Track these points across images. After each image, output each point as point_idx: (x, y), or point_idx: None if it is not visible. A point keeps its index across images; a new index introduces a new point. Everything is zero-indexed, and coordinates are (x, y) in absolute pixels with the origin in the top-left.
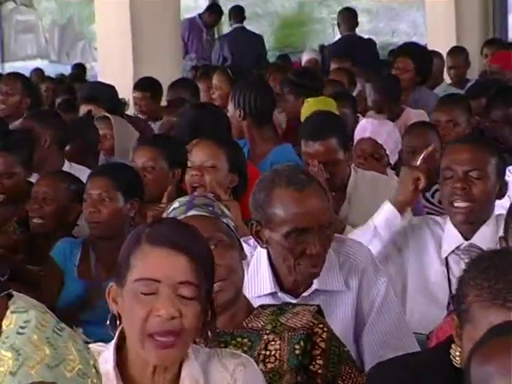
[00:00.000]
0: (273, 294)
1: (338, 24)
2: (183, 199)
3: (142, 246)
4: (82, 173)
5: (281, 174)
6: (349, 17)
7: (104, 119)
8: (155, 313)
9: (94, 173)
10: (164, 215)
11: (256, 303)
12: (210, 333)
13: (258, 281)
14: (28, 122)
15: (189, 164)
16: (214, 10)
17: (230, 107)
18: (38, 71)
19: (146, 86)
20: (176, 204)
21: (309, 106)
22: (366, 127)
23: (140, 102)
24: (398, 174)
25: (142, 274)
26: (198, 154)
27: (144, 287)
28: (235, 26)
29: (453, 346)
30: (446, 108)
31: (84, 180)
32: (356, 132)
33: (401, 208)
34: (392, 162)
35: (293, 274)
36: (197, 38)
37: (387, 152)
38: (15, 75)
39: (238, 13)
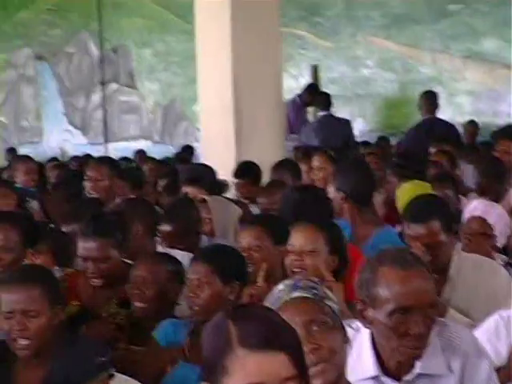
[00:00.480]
0: (375, 378)
1: (419, 106)
2: (288, 282)
3: (236, 350)
4: (175, 254)
5: (387, 254)
6: (430, 99)
7: (202, 202)
8: None
9: (195, 257)
10: (270, 296)
11: None
12: None
13: (361, 364)
14: (118, 207)
15: (289, 248)
16: (311, 89)
17: (331, 189)
18: (141, 152)
19: (246, 172)
20: (281, 286)
21: (405, 190)
22: (476, 207)
23: (241, 188)
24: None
25: (244, 380)
26: (298, 238)
27: None
28: (322, 113)
29: None
30: None
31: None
32: (466, 211)
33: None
34: (500, 245)
35: (396, 355)
36: (301, 118)
37: (496, 233)
38: (101, 160)
39: (324, 100)
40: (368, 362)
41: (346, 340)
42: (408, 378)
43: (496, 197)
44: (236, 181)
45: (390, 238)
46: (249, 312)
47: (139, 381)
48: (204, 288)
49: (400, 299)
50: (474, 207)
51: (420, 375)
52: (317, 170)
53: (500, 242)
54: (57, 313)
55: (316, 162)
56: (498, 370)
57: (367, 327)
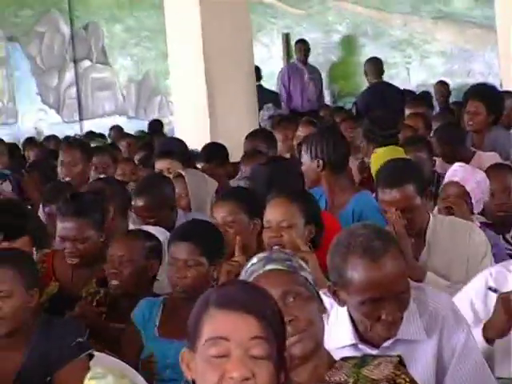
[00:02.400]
0: (353, 346)
1: (365, 72)
2: (261, 255)
3: (210, 310)
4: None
5: (356, 240)
6: (375, 65)
7: (178, 177)
8: (228, 375)
9: (178, 235)
10: (243, 271)
11: (336, 354)
12: None
13: (339, 332)
14: (94, 186)
15: (265, 224)
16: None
17: (305, 158)
18: (117, 128)
19: (212, 154)
20: (254, 259)
21: (378, 157)
22: (456, 172)
23: (209, 172)
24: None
25: (211, 334)
26: (274, 214)
27: (214, 349)
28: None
29: None
30: None
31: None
32: (447, 174)
33: (491, 337)
34: (475, 211)
35: (370, 334)
36: (300, 82)
37: (473, 200)
38: (73, 144)
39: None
40: (346, 331)
41: (322, 310)
42: (386, 344)
43: (462, 161)
44: (203, 164)
45: (368, 203)
46: (231, 282)
47: (120, 358)
48: (192, 269)
49: (370, 290)
50: (453, 172)
51: (398, 341)
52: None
53: (476, 209)
54: (32, 295)
55: (303, 131)
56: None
57: (341, 306)
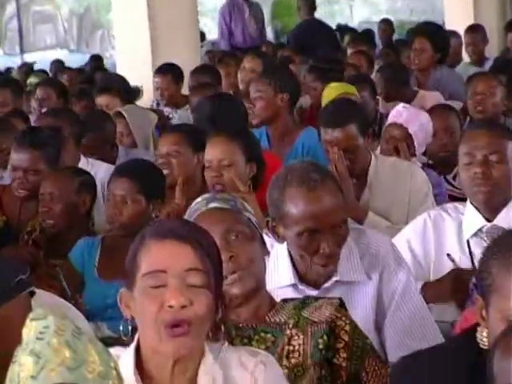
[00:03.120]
0: (293, 286)
1: (298, 8)
2: (206, 195)
3: (146, 241)
4: (99, 167)
5: (294, 173)
6: (308, 1)
7: (118, 116)
8: (166, 304)
9: (117, 172)
10: (187, 210)
11: (276, 294)
12: (223, 326)
13: (279, 272)
14: (44, 120)
15: (206, 163)
16: None
17: (267, 92)
18: (58, 62)
19: (167, 70)
20: (199, 199)
21: (330, 92)
22: (401, 113)
23: (162, 85)
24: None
25: (148, 267)
26: (214, 153)
27: (152, 280)
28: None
29: (478, 328)
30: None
31: (103, 174)
32: (390, 115)
33: (427, 299)
34: (418, 153)
35: (309, 272)
36: (240, 18)
37: (415, 143)
38: (4, 84)
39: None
40: (286, 271)
41: (265, 252)
42: (326, 285)
43: (403, 100)
44: (156, 79)
45: (316, 139)
46: (168, 218)
47: (60, 295)
48: (128, 205)
49: (307, 221)
50: (397, 112)
51: (338, 282)
52: (249, 72)
53: (419, 151)
54: None
55: (249, 63)
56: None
57: (280, 242)
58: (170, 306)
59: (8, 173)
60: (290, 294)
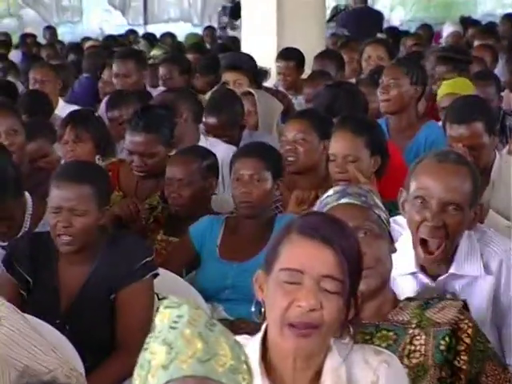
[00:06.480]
0: (413, 274)
1: None
2: (338, 188)
3: (291, 235)
4: (218, 146)
5: (434, 153)
6: None
7: (248, 95)
8: (296, 303)
9: (243, 152)
10: (317, 202)
11: (397, 282)
12: (352, 328)
13: (403, 259)
14: (166, 98)
15: (330, 156)
16: None
17: (404, 82)
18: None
19: (290, 55)
20: (330, 192)
21: (445, 87)
22: None
23: (284, 71)
24: None
25: (288, 263)
26: (339, 148)
27: (288, 277)
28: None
29: None
30: None
31: (222, 154)
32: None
33: None
34: None
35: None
36: None
37: None
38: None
39: None
40: (408, 258)
41: (392, 250)
42: (442, 277)
43: None
44: (279, 63)
45: (440, 132)
46: (316, 213)
47: (172, 271)
48: (257, 184)
49: (424, 189)
50: None
51: (455, 276)
52: (372, 60)
53: None
54: (103, 212)
55: (375, 51)
56: None
57: (405, 217)
58: (300, 306)
59: None
60: (409, 281)
